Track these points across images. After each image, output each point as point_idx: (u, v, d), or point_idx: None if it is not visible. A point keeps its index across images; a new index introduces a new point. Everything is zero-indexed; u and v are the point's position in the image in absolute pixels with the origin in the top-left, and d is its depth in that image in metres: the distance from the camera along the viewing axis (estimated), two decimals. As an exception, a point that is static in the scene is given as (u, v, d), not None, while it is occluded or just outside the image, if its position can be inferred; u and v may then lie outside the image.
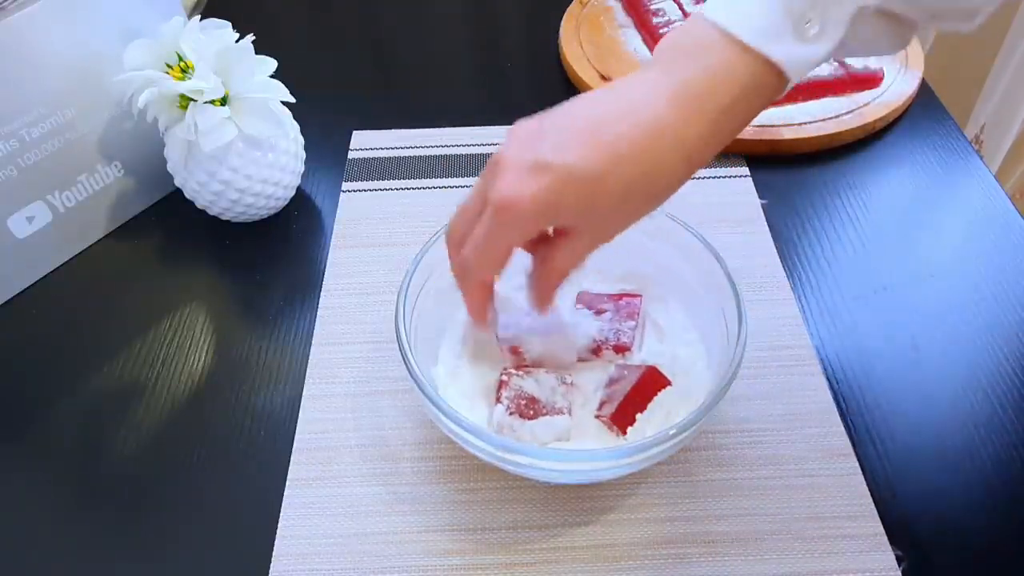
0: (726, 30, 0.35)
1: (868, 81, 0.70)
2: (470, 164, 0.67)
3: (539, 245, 0.40)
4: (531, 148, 0.36)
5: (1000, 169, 1.19)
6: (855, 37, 0.36)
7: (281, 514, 0.45)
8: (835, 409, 0.49)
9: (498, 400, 0.44)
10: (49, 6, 0.52)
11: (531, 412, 0.43)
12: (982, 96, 1.18)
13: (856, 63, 0.70)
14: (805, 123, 0.67)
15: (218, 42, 0.54)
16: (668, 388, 0.45)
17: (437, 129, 0.71)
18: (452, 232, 0.40)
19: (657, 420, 0.43)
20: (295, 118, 0.62)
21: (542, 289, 0.40)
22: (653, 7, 0.79)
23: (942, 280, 0.56)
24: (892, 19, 0.37)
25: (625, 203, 0.37)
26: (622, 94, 0.37)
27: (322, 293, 0.57)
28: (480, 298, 0.41)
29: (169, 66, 0.55)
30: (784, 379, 0.50)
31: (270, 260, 0.60)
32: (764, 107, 0.37)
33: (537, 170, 0.35)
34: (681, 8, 0.79)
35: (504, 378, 0.45)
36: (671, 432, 0.38)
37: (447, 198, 0.64)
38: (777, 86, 0.36)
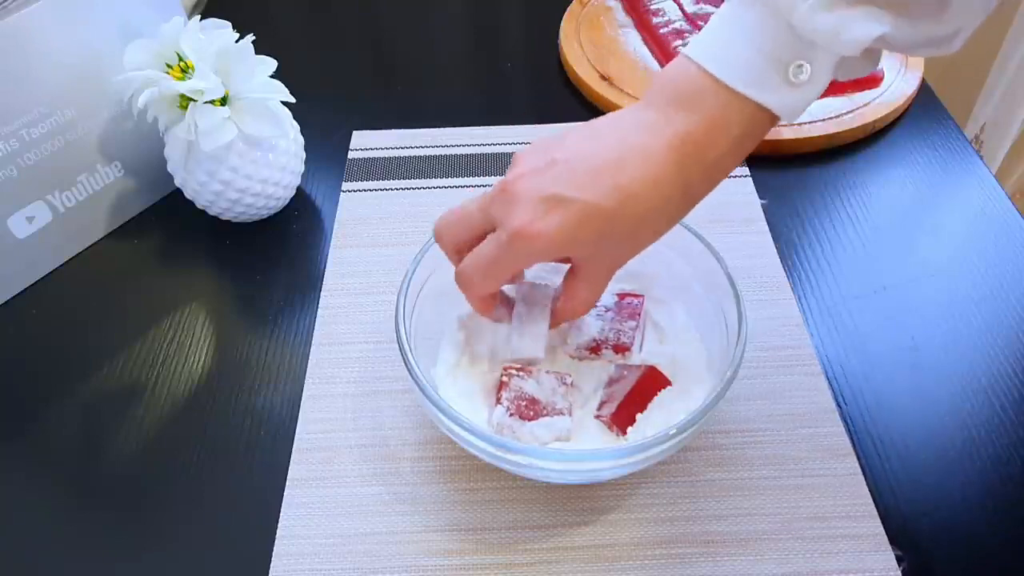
0: (719, 79, 0.36)
1: (868, 81, 0.70)
2: (470, 164, 0.67)
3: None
4: (547, 181, 0.37)
5: (1000, 169, 1.19)
6: (841, 73, 0.38)
7: (281, 514, 0.45)
8: (835, 409, 0.49)
9: (498, 401, 0.44)
10: (49, 6, 0.52)
11: (531, 413, 0.43)
12: (982, 96, 1.18)
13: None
14: (805, 123, 0.67)
15: (218, 42, 0.54)
16: (668, 388, 0.45)
17: (437, 129, 0.71)
18: (447, 234, 0.42)
19: (657, 420, 0.43)
20: (295, 118, 0.62)
21: (566, 319, 0.45)
22: (653, 7, 0.79)
23: (942, 280, 0.56)
24: (875, 52, 0.38)
25: (634, 237, 0.39)
26: (627, 136, 0.38)
27: (322, 293, 0.57)
28: (485, 308, 0.44)
29: (169, 66, 0.55)
30: (784, 379, 0.50)
31: (270, 260, 0.60)
32: (757, 144, 0.39)
33: (556, 204, 0.37)
34: (681, 8, 0.79)
35: (504, 379, 0.45)
36: (671, 432, 0.38)
37: (447, 198, 0.64)
38: (769, 126, 0.38)
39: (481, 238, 0.40)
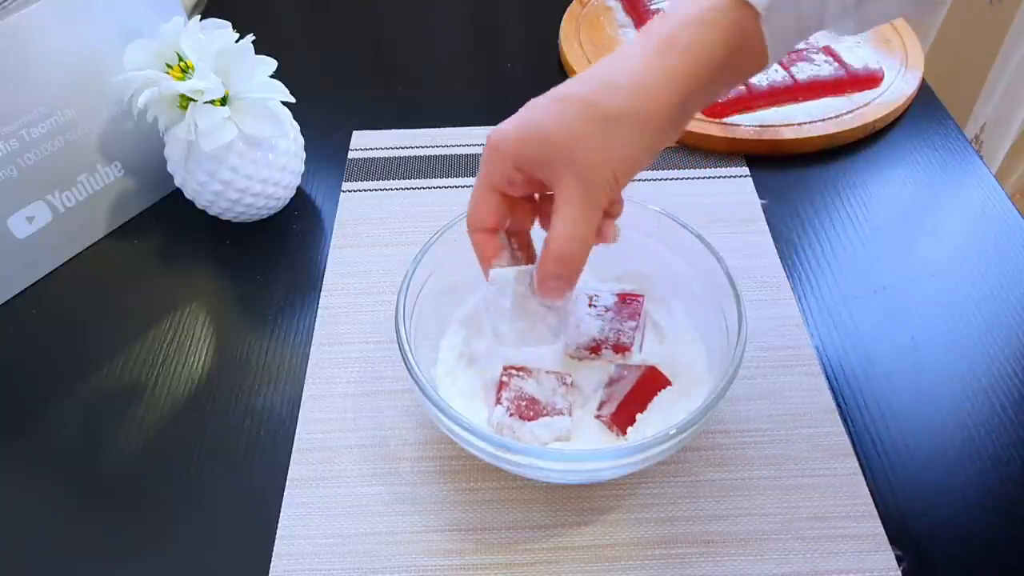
0: None
1: (868, 81, 0.70)
2: (470, 164, 0.67)
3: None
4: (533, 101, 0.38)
5: (1000, 169, 1.19)
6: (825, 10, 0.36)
7: (281, 514, 0.45)
8: (835, 409, 0.49)
9: (498, 401, 0.44)
10: (49, 6, 0.52)
11: (531, 413, 0.43)
12: (982, 96, 1.18)
13: (856, 63, 0.70)
14: (805, 123, 0.67)
15: (218, 42, 0.54)
16: (668, 388, 0.45)
17: (437, 129, 0.71)
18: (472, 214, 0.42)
19: (657, 420, 0.43)
20: (295, 118, 0.62)
21: (543, 275, 0.39)
22: (653, 7, 0.79)
23: (942, 280, 0.56)
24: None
25: (585, 126, 0.36)
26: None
27: (322, 293, 0.57)
28: (485, 252, 0.42)
29: (169, 66, 0.55)
30: (784, 379, 0.50)
31: (270, 260, 0.60)
32: (733, 52, 0.36)
33: (524, 108, 0.38)
34: (681, 8, 0.79)
35: (504, 379, 0.45)
36: (671, 432, 0.38)
37: (447, 198, 0.64)
38: (744, 22, 0.36)
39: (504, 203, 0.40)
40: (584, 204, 0.37)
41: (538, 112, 0.37)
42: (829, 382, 0.50)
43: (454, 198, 0.64)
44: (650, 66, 0.36)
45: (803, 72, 0.70)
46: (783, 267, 0.57)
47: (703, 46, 0.36)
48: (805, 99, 0.69)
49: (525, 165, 0.38)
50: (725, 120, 0.67)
